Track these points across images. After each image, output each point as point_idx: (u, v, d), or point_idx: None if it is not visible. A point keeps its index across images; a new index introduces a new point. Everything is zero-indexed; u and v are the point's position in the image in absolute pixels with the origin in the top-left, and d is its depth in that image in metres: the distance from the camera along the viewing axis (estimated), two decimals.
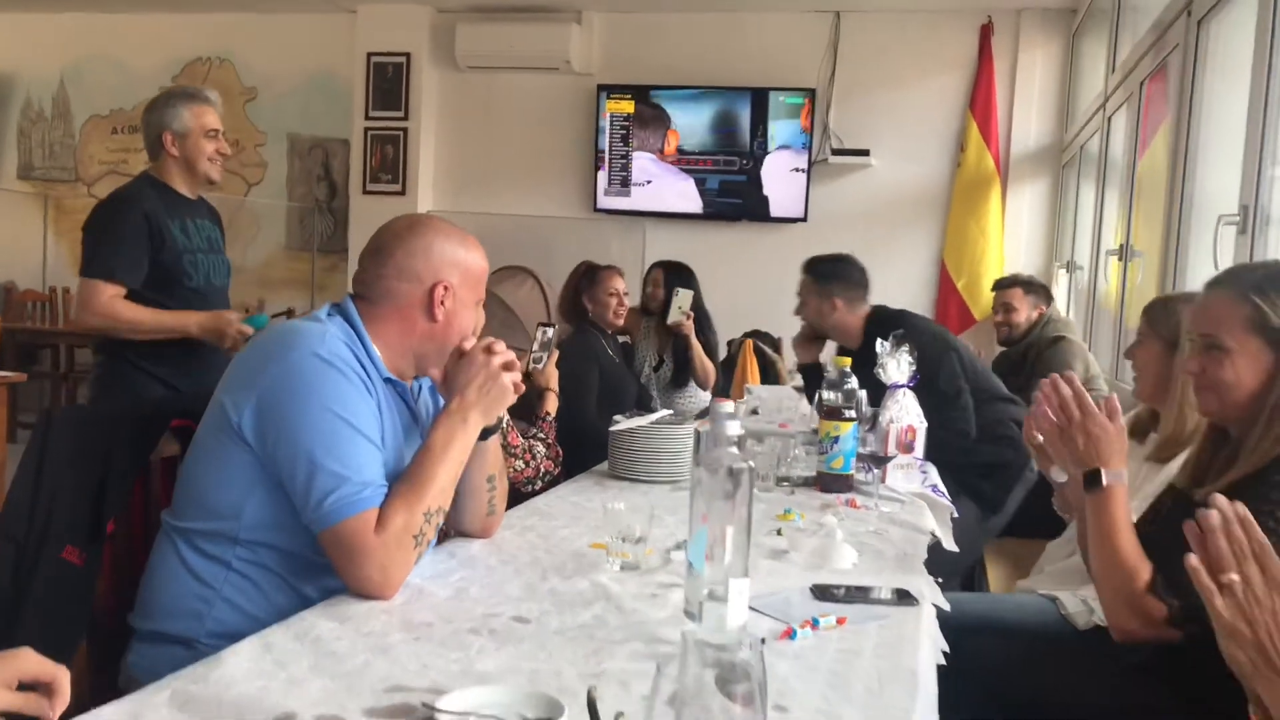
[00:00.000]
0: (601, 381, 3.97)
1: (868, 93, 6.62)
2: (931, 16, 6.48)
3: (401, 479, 1.57)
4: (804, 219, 6.69)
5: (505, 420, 1.84)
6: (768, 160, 6.73)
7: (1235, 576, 1.12)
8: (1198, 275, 3.07)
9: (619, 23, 7.01)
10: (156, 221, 2.89)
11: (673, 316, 4.52)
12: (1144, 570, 1.61)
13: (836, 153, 6.58)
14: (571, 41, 6.86)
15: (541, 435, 2.34)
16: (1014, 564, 2.87)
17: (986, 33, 6.43)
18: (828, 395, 2.58)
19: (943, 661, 1.59)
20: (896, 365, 2.67)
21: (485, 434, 1.75)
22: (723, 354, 5.34)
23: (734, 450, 1.34)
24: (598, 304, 4.05)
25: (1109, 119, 4.75)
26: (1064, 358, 3.94)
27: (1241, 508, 1.15)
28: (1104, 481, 1.65)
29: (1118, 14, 4.82)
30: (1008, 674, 1.82)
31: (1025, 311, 3.98)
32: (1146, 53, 3.87)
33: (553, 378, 2.37)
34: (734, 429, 1.34)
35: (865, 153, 6.55)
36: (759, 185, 6.76)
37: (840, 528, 2.08)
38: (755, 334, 5.71)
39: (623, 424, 2.51)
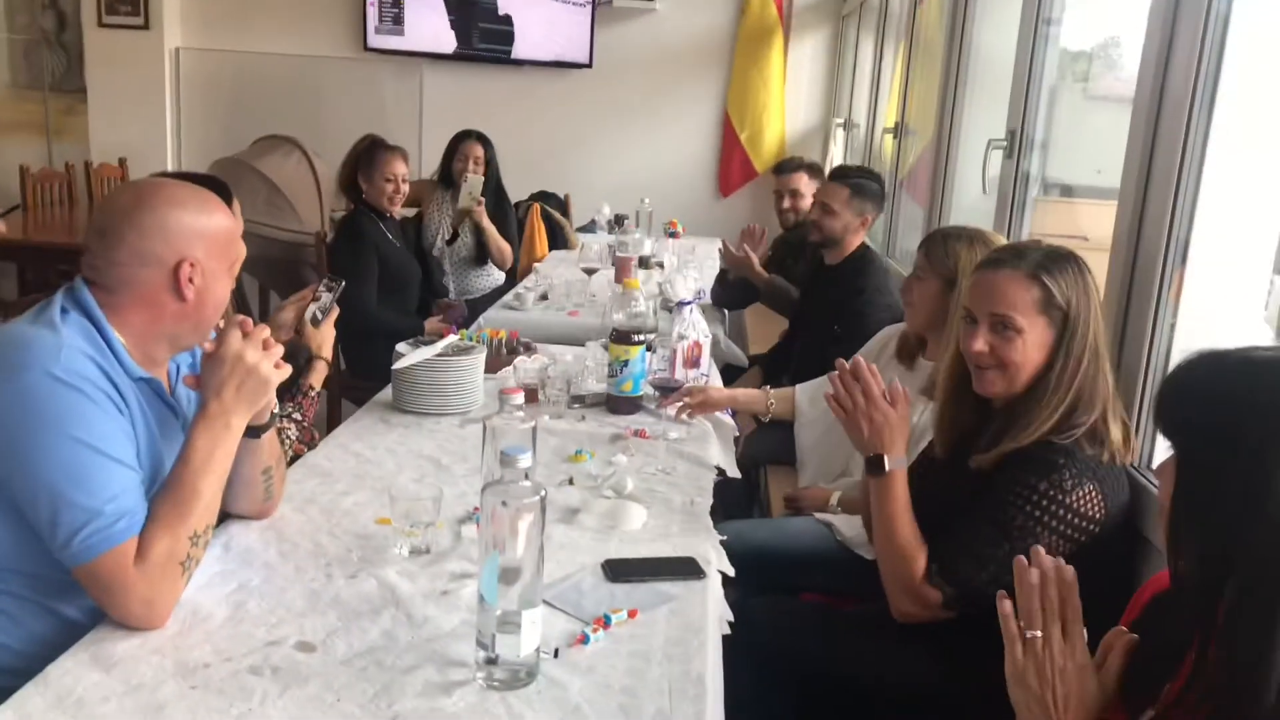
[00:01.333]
0: (382, 268, 3.80)
1: None
2: None
3: (161, 498, 1.45)
4: (589, 65, 6.48)
5: (276, 413, 1.71)
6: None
7: (1039, 634, 1.18)
8: (966, 186, 3.21)
9: None
10: None
11: (462, 202, 4.33)
12: (920, 557, 1.70)
13: None
14: None
15: (298, 416, 2.14)
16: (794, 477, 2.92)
17: None
18: (616, 318, 2.56)
19: (728, 631, 1.67)
20: (684, 281, 2.67)
21: (256, 432, 1.63)
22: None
23: (525, 484, 1.29)
24: (373, 187, 3.82)
25: None
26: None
27: (1069, 571, 1.19)
28: (886, 467, 1.73)
29: None
30: (790, 635, 1.92)
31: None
32: None
33: (327, 343, 2.18)
34: (525, 461, 1.30)
35: None
36: (542, 27, 6.46)
37: (629, 470, 2.12)
38: (542, 196, 5.58)
39: (406, 358, 2.40)
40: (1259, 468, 1.01)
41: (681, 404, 2.42)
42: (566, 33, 6.45)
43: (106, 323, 1.50)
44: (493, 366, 2.74)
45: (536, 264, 4.61)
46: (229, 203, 2.23)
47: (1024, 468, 1.64)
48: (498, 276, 4.70)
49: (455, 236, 4.54)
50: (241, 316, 1.57)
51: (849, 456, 2.50)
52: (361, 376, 3.78)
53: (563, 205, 5.71)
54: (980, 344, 1.70)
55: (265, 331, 1.56)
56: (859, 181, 3.23)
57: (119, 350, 1.51)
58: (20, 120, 6.96)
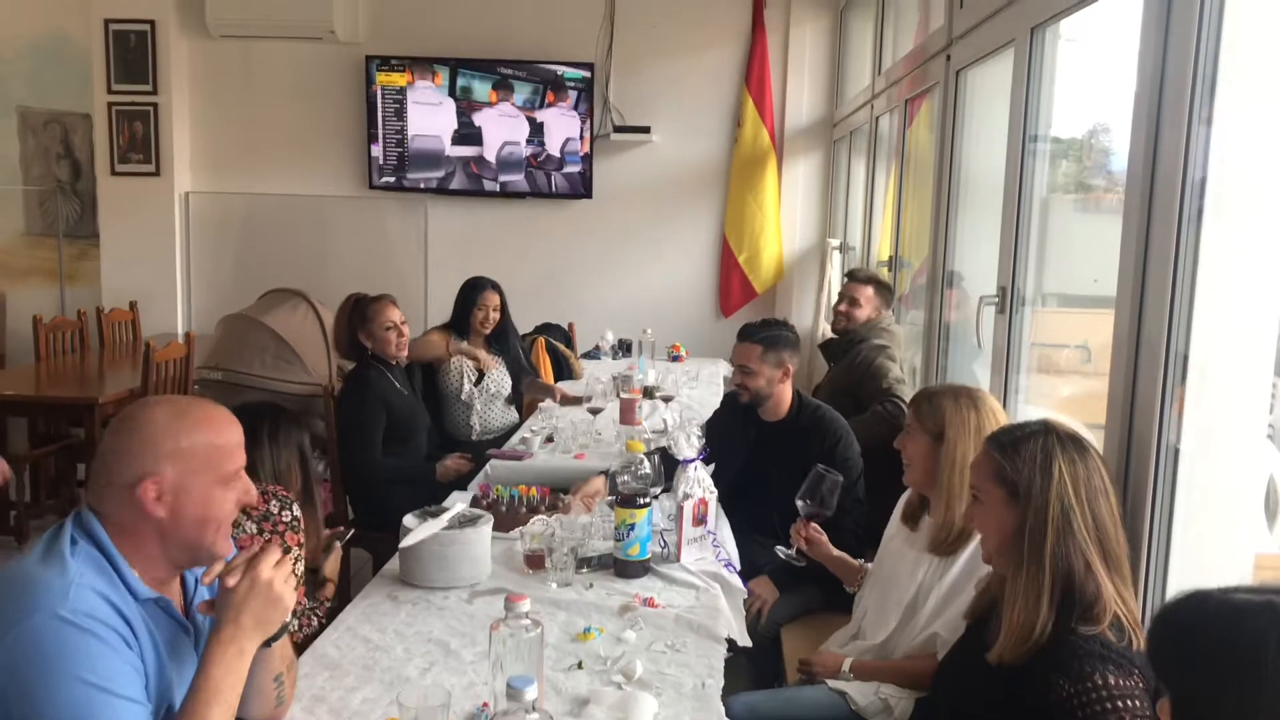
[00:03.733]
0: (390, 419, 3.84)
1: (647, 66, 6.57)
2: None
3: None
4: (588, 195, 6.64)
5: (290, 621, 1.72)
6: (551, 136, 6.60)
7: None
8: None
9: None
10: None
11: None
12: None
13: (619, 129, 6.53)
14: (335, 9, 6.46)
15: (315, 618, 2.26)
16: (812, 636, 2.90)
17: (759, 6, 6.48)
18: (622, 480, 2.58)
19: None
20: (687, 440, 2.70)
21: (269, 641, 1.64)
22: None
23: (533, 715, 1.30)
24: (377, 340, 3.87)
25: (876, 119, 4.91)
26: (881, 366, 3.95)
27: None
28: None
29: (882, 1, 4.94)
30: None
31: (868, 310, 4.16)
32: (910, 73, 4.00)
33: (335, 570, 2.31)
34: (531, 693, 1.31)
35: (646, 129, 6.54)
36: (543, 161, 6.64)
37: (639, 650, 2.12)
38: (546, 328, 5.67)
39: (414, 534, 2.42)
40: (1248, 711, 1.03)
41: (803, 538, 2.67)
42: (568, 166, 6.62)
43: (112, 547, 1.52)
44: (508, 524, 2.75)
45: (541, 404, 4.64)
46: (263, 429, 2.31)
47: (1072, 664, 1.59)
48: (513, 415, 4.73)
49: (482, 376, 4.56)
50: (255, 547, 1.59)
51: (861, 617, 2.51)
52: (372, 528, 3.79)
53: (566, 335, 5.78)
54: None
55: (277, 553, 1.58)
56: (768, 335, 3.23)
57: (127, 575, 1.52)
58: (34, 266, 7.13)
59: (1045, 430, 1.77)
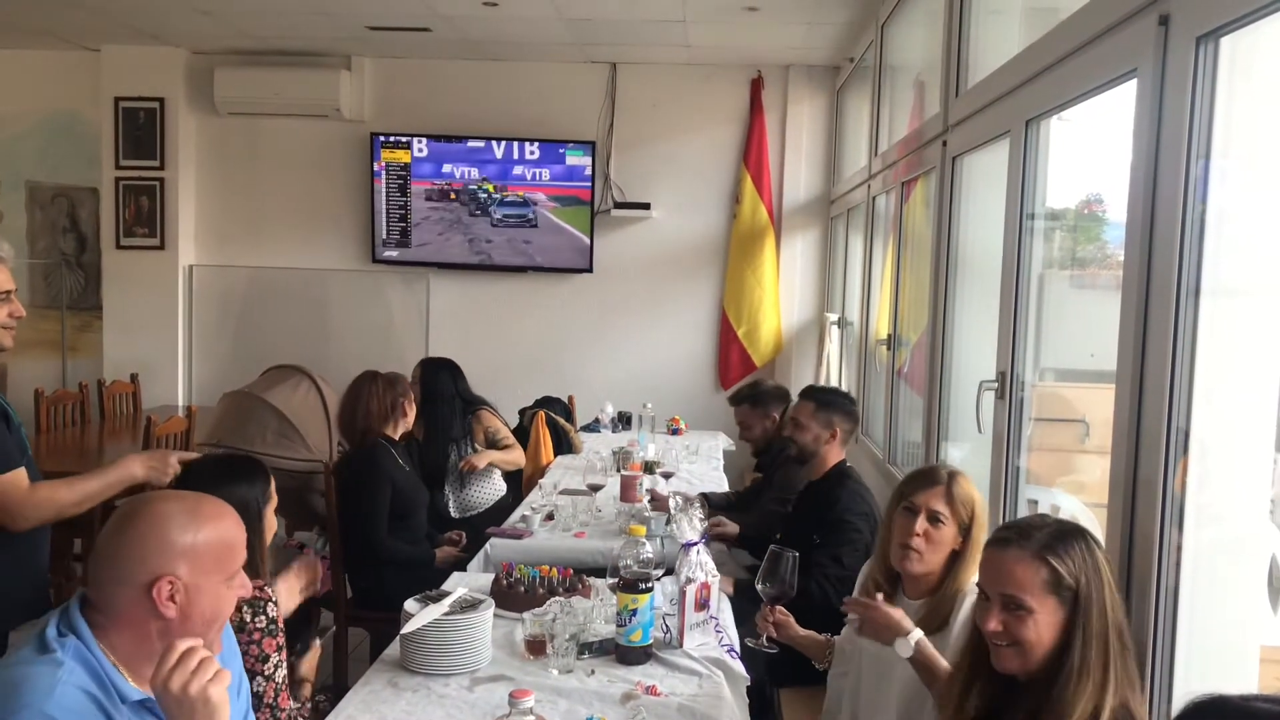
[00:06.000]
0: (395, 496, 3.83)
1: (647, 144, 6.69)
2: (704, 69, 6.62)
3: None
4: (590, 270, 6.70)
5: None
6: (552, 211, 6.69)
7: None
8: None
9: (391, 70, 6.79)
10: None
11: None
12: None
13: (619, 205, 6.62)
14: (341, 88, 6.59)
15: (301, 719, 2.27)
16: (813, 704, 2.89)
17: (757, 87, 6.62)
18: (624, 564, 2.58)
19: None
20: (689, 523, 2.70)
21: None
22: (514, 422, 5.29)
23: None
24: (398, 416, 3.90)
25: (873, 199, 4.98)
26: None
27: None
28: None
29: (878, 85, 5.04)
30: None
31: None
32: (906, 156, 4.07)
33: (312, 669, 2.34)
34: None
35: (646, 206, 6.63)
36: (544, 235, 6.72)
37: None
38: (546, 401, 5.68)
39: (415, 619, 2.41)
40: None
41: (770, 623, 2.61)
42: (569, 241, 6.70)
43: (97, 647, 1.51)
44: (523, 605, 2.71)
45: (540, 480, 4.64)
46: (256, 477, 2.29)
47: None
48: (499, 487, 4.72)
49: (463, 447, 4.59)
50: (182, 650, 1.46)
51: (841, 700, 2.49)
52: (368, 608, 3.76)
53: (566, 409, 5.80)
54: (994, 623, 1.71)
55: (215, 665, 1.48)
56: (824, 396, 3.52)
57: (112, 675, 1.50)
58: (37, 338, 7.15)
59: (1077, 530, 1.74)
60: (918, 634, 2.15)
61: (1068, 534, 1.72)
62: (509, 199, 6.68)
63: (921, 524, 2.29)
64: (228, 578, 1.60)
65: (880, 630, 2.20)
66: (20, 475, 2.44)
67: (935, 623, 2.25)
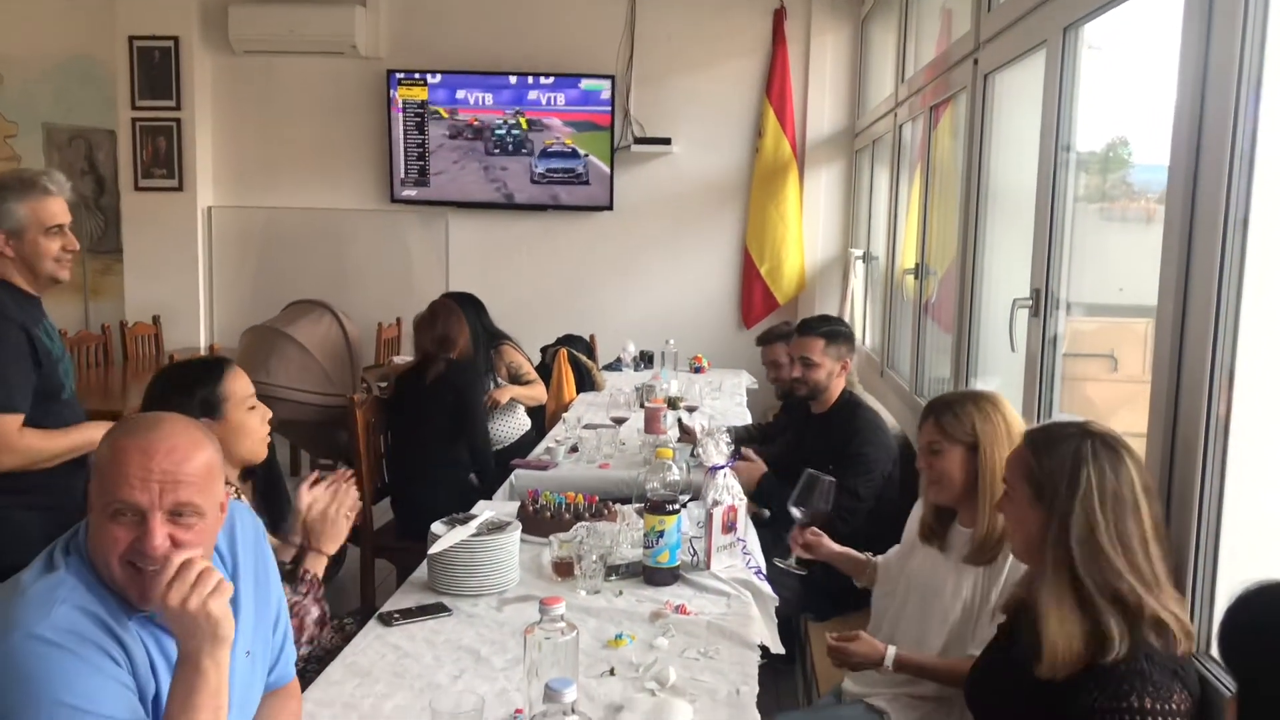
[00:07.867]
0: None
1: (667, 78, 6.58)
2: (725, 1, 6.47)
3: None
4: (610, 207, 6.63)
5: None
6: (568, 139, 6.61)
7: None
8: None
9: (407, 5, 6.68)
10: (30, 332, 2.50)
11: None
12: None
13: (639, 141, 6.53)
14: (356, 24, 6.50)
15: (307, 600, 2.17)
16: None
17: (779, 18, 6.48)
18: (651, 487, 2.55)
19: None
20: (715, 446, 2.67)
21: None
22: (536, 359, 5.27)
23: (572, 717, 1.28)
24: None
25: (899, 128, 4.88)
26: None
27: None
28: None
29: (905, 11, 4.92)
30: None
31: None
32: (935, 79, 3.97)
33: (334, 539, 2.24)
34: (570, 695, 1.28)
35: (667, 141, 6.54)
36: (564, 172, 6.64)
37: (671, 656, 2.09)
38: (568, 339, 5.65)
39: (442, 540, 2.40)
40: None
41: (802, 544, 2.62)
42: (590, 176, 6.63)
43: (101, 564, 1.46)
44: (548, 530, 2.70)
45: (564, 415, 4.62)
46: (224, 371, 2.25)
47: (1112, 679, 1.54)
48: (523, 422, 4.72)
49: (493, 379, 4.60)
50: (182, 556, 1.43)
51: (883, 622, 2.46)
52: (410, 537, 3.74)
53: (588, 347, 5.76)
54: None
55: (216, 574, 1.45)
56: (831, 329, 3.49)
57: (115, 591, 1.46)
58: None
59: (1083, 434, 1.69)
60: (892, 651, 2.20)
61: (1070, 437, 1.71)
62: (553, 149, 6.59)
63: (923, 459, 2.31)
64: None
65: (862, 662, 2.24)
66: (13, 419, 2.44)
67: (984, 557, 2.21)
